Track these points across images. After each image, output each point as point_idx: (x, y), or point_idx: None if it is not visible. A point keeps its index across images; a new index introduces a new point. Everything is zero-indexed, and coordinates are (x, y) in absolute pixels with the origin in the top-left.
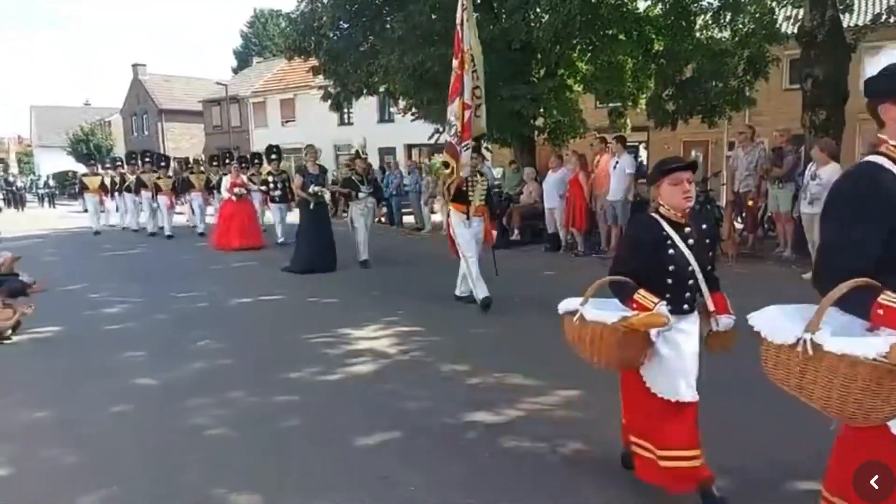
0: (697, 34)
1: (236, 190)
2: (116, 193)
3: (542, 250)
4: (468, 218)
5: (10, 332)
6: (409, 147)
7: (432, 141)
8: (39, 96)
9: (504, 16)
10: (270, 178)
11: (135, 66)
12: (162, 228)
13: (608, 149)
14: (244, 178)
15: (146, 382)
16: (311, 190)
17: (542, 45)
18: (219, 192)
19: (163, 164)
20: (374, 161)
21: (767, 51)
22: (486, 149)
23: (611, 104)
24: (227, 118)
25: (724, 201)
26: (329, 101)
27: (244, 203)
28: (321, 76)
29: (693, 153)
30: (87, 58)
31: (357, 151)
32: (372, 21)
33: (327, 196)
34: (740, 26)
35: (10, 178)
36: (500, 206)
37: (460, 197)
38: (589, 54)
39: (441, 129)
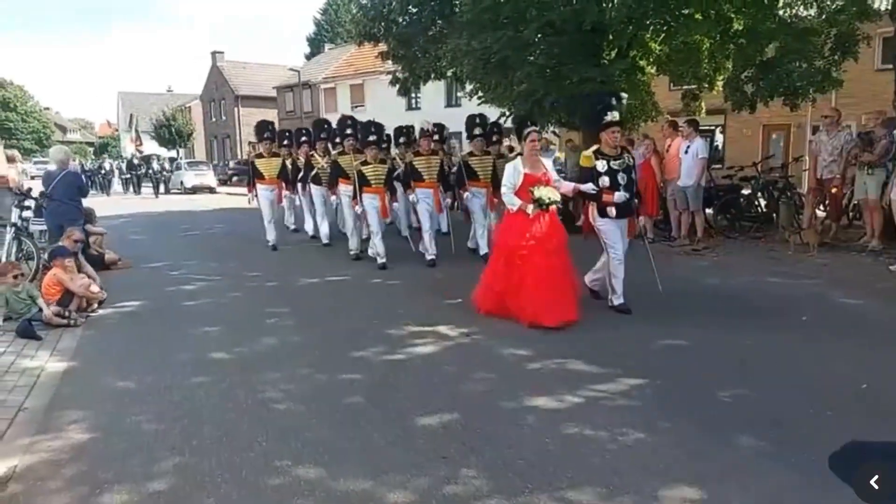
0: (781, 12)
1: (542, 193)
2: (299, 185)
3: None
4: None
5: (95, 304)
6: None
7: None
8: (126, 83)
9: None
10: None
11: (214, 53)
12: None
13: (679, 132)
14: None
15: (221, 356)
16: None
17: (613, 26)
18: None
19: (372, 137)
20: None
21: (858, 28)
22: (554, 132)
23: (685, 86)
24: (300, 103)
25: (806, 188)
26: (397, 86)
27: (553, 224)
28: (390, 61)
29: (773, 137)
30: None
31: None
32: (441, 5)
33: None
34: (828, 2)
35: (136, 162)
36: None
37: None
38: (663, 35)
39: (507, 113)
